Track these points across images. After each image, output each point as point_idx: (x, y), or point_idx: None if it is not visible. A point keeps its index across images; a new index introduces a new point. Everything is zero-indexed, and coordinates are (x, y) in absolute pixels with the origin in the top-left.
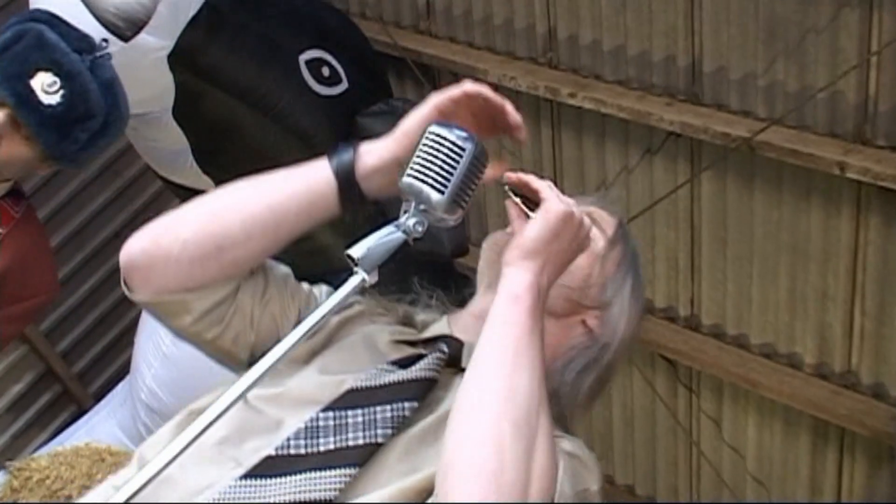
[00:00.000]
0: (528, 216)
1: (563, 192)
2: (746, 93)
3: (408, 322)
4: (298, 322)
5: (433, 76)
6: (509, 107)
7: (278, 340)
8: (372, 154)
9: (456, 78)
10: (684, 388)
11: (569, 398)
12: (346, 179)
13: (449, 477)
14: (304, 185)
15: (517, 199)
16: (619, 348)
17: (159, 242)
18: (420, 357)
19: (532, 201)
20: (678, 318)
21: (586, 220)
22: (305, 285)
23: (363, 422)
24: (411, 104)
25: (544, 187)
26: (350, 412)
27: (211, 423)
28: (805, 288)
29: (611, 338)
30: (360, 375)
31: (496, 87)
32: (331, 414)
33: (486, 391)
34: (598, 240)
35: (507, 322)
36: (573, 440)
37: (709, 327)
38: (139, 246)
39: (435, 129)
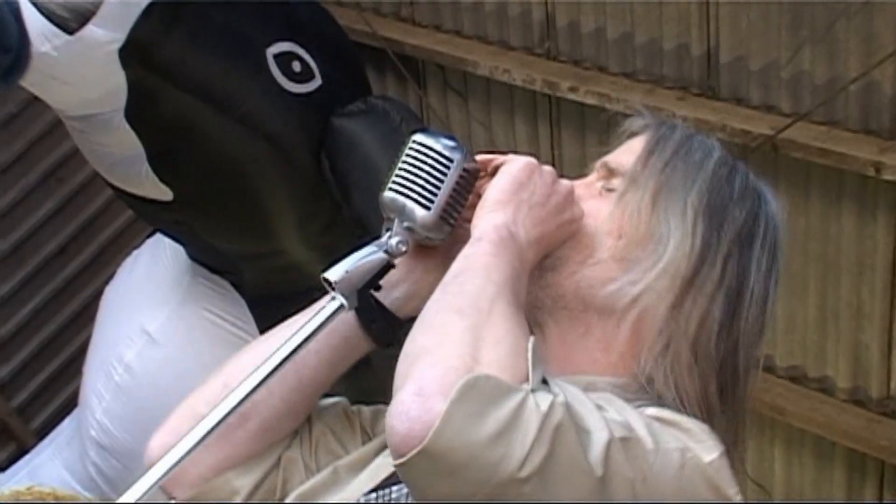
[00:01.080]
0: None
1: None
2: (769, 85)
3: None
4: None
5: (417, 69)
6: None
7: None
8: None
9: (442, 71)
10: None
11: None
12: (369, 312)
13: (399, 375)
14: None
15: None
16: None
17: (181, 432)
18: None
19: None
20: None
21: (565, 182)
22: (366, 409)
23: None
24: (393, 102)
25: (506, 157)
26: None
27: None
28: (837, 304)
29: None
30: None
31: (487, 81)
32: None
33: (433, 308)
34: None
35: (465, 256)
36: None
37: None
38: (161, 444)
39: (419, 137)
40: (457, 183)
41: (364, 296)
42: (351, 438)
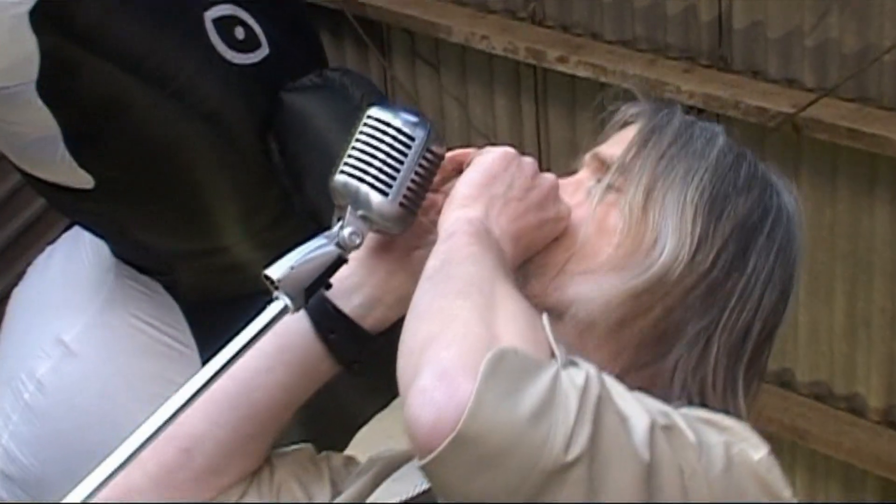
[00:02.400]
0: None
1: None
2: (789, 56)
3: None
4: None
5: (381, 36)
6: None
7: None
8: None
9: (410, 38)
10: None
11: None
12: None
13: (405, 372)
14: (272, 345)
15: None
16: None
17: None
18: None
19: None
20: None
21: (548, 176)
22: (336, 456)
23: None
24: (352, 76)
25: (478, 150)
26: None
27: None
28: (868, 310)
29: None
30: None
31: (463, 50)
32: None
33: (426, 298)
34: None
35: (442, 251)
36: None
37: None
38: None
39: (375, 112)
40: (419, 165)
41: (316, 298)
42: (319, 489)
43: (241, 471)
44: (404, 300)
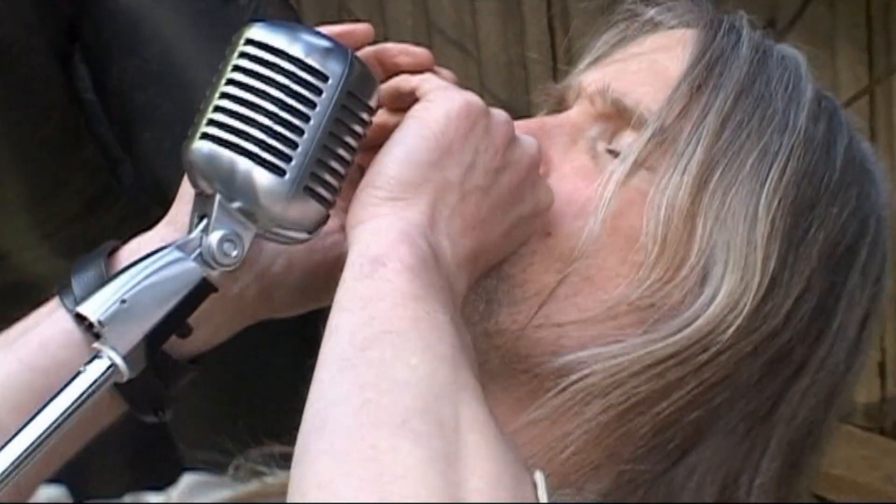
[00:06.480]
0: None
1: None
2: None
3: None
4: None
5: None
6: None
7: None
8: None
9: None
10: None
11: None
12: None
13: None
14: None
15: None
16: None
17: None
18: None
19: None
20: None
21: (528, 141)
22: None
23: None
24: None
25: (422, 79)
26: None
27: None
28: None
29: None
30: None
31: None
32: None
33: (327, 426)
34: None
35: (361, 298)
36: None
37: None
38: None
39: (259, 33)
40: (337, 122)
41: (150, 352)
42: None
43: None
44: (244, 314)
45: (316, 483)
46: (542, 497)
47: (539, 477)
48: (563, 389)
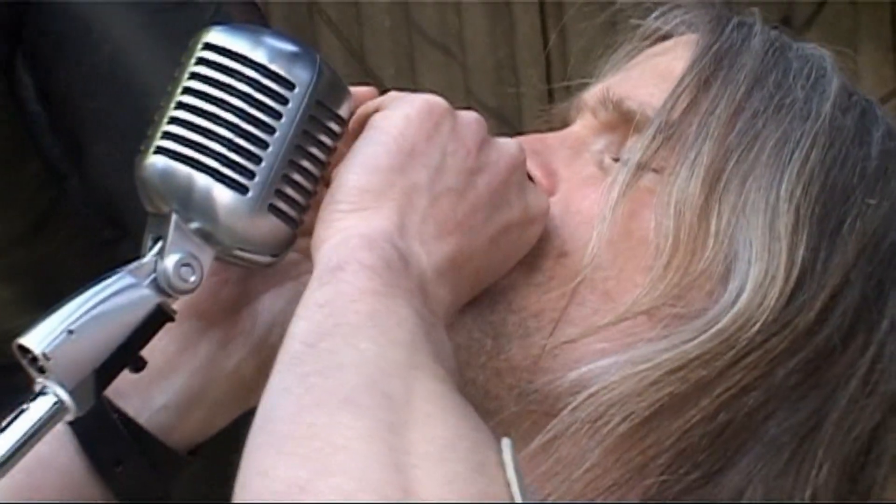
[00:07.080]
0: None
1: None
2: None
3: None
4: None
5: None
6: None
7: None
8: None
9: None
10: None
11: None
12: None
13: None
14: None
15: None
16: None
17: None
18: None
19: None
20: None
21: (506, 144)
22: None
23: None
24: None
25: (385, 96)
26: None
27: None
28: None
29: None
30: None
31: None
32: None
33: (274, 419)
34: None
35: (319, 303)
36: None
37: None
38: None
39: (218, 37)
40: (304, 134)
41: (99, 388)
42: None
43: None
44: (244, 393)
45: (257, 471)
46: (508, 462)
47: (506, 442)
48: (580, 404)
